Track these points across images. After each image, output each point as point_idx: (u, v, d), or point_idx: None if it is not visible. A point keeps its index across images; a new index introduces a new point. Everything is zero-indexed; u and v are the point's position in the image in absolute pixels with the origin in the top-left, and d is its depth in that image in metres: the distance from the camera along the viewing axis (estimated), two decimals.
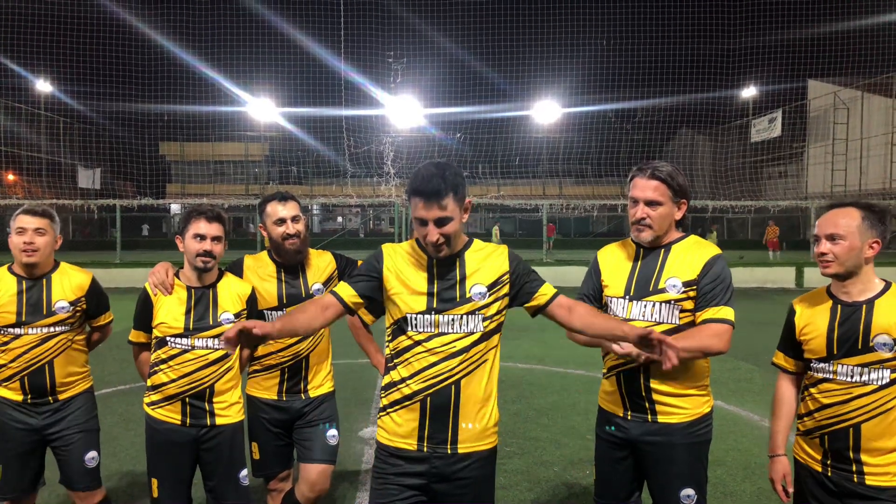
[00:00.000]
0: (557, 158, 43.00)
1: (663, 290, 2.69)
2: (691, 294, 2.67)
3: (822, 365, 2.58)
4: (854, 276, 2.54)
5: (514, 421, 6.29)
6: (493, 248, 2.59)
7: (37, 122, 37.62)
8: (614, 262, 2.88)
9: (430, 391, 2.41)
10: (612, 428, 2.83)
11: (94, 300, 3.46)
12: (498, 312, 2.52)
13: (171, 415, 3.08)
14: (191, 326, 3.06)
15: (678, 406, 2.69)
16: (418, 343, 2.43)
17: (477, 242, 2.58)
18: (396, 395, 2.47)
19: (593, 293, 2.92)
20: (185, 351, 3.06)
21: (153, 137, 39.63)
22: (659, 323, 2.69)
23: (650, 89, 35.80)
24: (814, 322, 2.62)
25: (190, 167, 48.89)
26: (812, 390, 2.62)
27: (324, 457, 3.42)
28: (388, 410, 2.49)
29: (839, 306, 2.57)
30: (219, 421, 3.13)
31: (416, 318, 2.44)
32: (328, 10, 31.82)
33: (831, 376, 2.55)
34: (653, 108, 37.98)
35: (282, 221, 3.32)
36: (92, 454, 3.40)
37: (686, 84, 32.91)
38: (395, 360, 2.49)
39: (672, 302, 2.68)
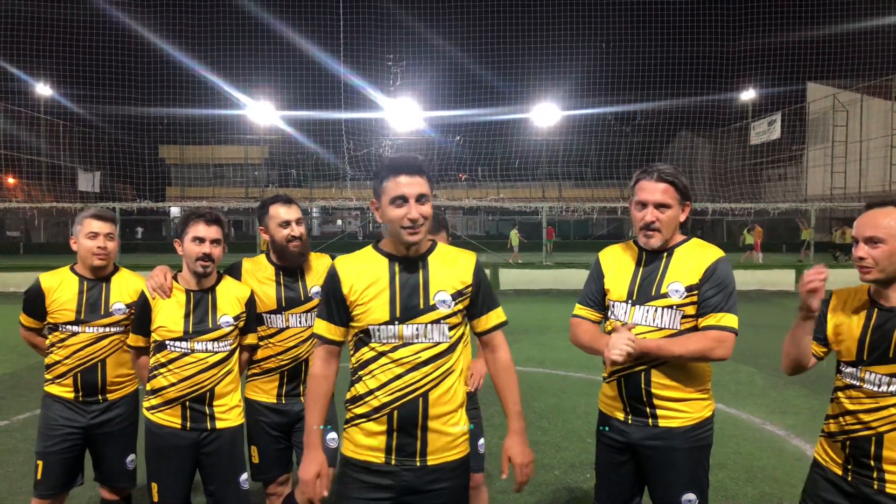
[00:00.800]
0: (557, 161, 43.05)
1: (666, 295, 2.66)
2: (694, 299, 2.64)
3: (850, 370, 2.45)
4: (895, 282, 2.36)
5: None
6: (459, 253, 2.51)
7: (37, 125, 37.64)
8: (617, 266, 2.84)
9: (398, 403, 2.33)
10: (607, 428, 2.81)
11: None
12: (461, 322, 2.46)
13: (171, 419, 3.07)
14: (190, 330, 3.05)
15: (679, 410, 2.67)
16: (382, 354, 2.36)
17: (441, 246, 2.50)
18: (363, 408, 2.38)
19: (596, 296, 2.88)
20: (185, 354, 3.04)
21: (153, 140, 39.71)
22: (661, 328, 2.66)
23: (650, 92, 35.88)
24: (848, 323, 2.48)
25: (189, 170, 48.94)
26: (840, 394, 2.50)
27: None
28: (355, 423, 2.41)
29: (876, 310, 2.41)
30: (219, 425, 3.11)
31: (378, 329, 2.35)
32: (327, 13, 31.87)
33: (858, 383, 2.42)
34: (652, 111, 38.07)
35: (286, 224, 3.32)
36: (132, 456, 3.53)
37: (685, 86, 32.96)
38: (360, 372, 2.40)
39: (674, 307, 2.65)
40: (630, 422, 2.73)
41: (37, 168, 37.67)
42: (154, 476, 3.10)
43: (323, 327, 2.44)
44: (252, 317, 3.23)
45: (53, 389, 3.40)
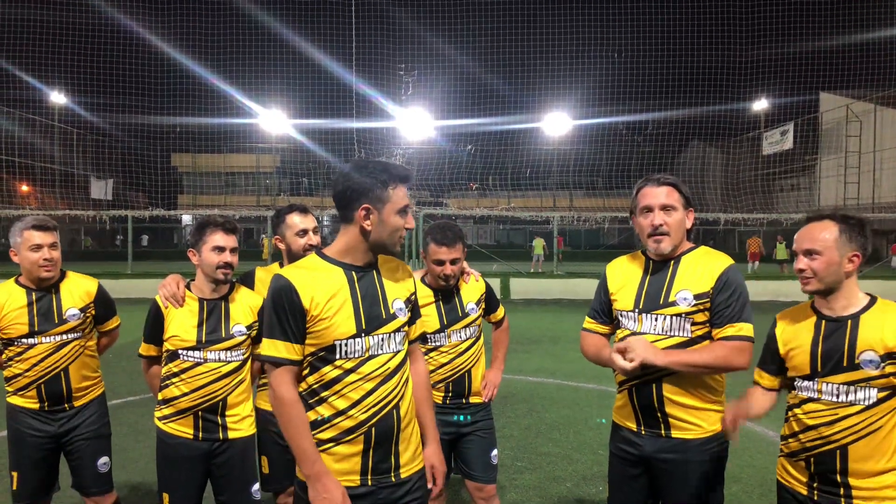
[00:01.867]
0: (568, 170, 42.96)
1: (674, 304, 2.64)
2: (704, 306, 2.61)
3: (806, 383, 2.47)
4: (836, 292, 2.46)
5: (525, 435, 6.23)
6: (398, 262, 2.50)
7: (51, 133, 37.98)
8: (623, 275, 2.83)
9: (375, 420, 2.24)
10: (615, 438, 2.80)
11: (102, 305, 3.55)
12: (409, 331, 2.45)
13: (183, 429, 3.06)
14: (203, 339, 3.04)
15: (693, 422, 2.64)
16: (350, 371, 2.23)
17: (381, 256, 2.43)
18: (331, 432, 2.23)
19: (602, 308, 2.89)
20: (198, 364, 3.04)
21: (165, 149, 39.91)
22: (670, 336, 2.64)
23: (661, 101, 35.74)
24: (798, 337, 2.52)
25: (201, 178, 49.26)
26: (797, 411, 2.50)
27: None
28: (323, 448, 2.23)
29: (823, 321, 2.47)
30: (231, 435, 3.10)
31: (345, 344, 2.22)
32: (340, 22, 32.04)
33: (816, 395, 2.44)
34: (664, 120, 37.89)
35: (304, 233, 3.34)
36: (104, 459, 3.49)
37: (697, 96, 32.85)
38: (323, 394, 2.23)
39: (683, 315, 2.62)
40: (643, 433, 2.71)
41: (50, 176, 37.94)
42: (166, 486, 3.09)
43: (283, 349, 2.21)
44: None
45: (17, 401, 3.36)
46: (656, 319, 2.66)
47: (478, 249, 29.93)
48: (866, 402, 2.35)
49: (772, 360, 2.62)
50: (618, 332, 2.84)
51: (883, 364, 2.33)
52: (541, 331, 13.04)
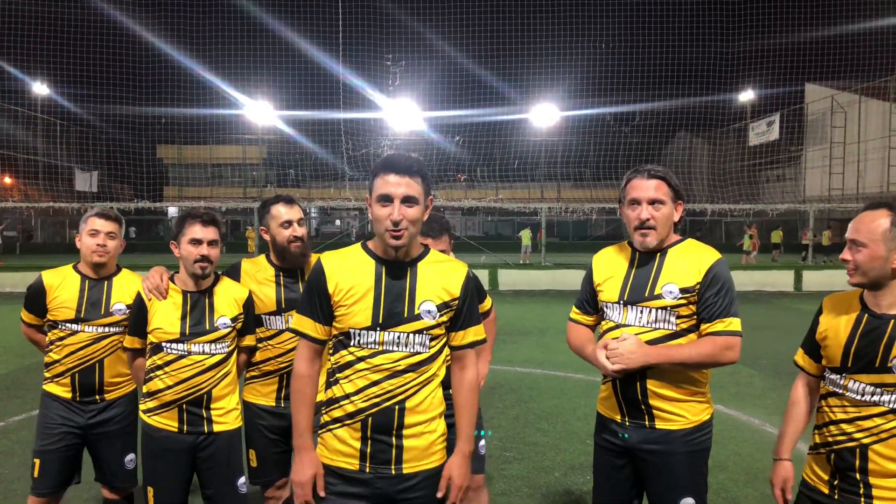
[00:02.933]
0: (556, 162, 43.09)
1: (659, 296, 2.62)
2: (690, 300, 2.61)
3: (833, 377, 2.39)
4: (884, 287, 2.30)
5: (514, 425, 6.25)
6: (452, 263, 2.43)
7: (34, 124, 37.56)
8: (609, 267, 2.81)
9: (373, 410, 2.27)
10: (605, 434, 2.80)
11: None
12: (444, 334, 2.39)
13: (167, 422, 3.04)
14: (187, 331, 3.01)
15: (677, 413, 2.64)
16: (361, 359, 2.28)
17: (434, 253, 2.42)
18: (338, 412, 2.31)
19: (588, 299, 2.88)
20: (182, 356, 3.01)
21: (150, 140, 39.65)
22: (655, 329, 2.63)
23: (648, 92, 35.89)
24: (836, 327, 2.40)
25: (187, 170, 48.90)
26: (823, 402, 2.44)
27: None
28: (330, 427, 2.33)
29: (865, 315, 2.33)
30: (216, 428, 3.08)
31: (359, 334, 2.28)
32: (326, 12, 31.83)
33: (841, 391, 2.35)
34: (651, 112, 38.05)
35: (288, 224, 3.30)
36: (131, 456, 3.52)
37: (684, 87, 32.99)
38: (338, 375, 2.33)
39: (668, 308, 2.61)
40: (627, 424, 2.70)
41: (34, 167, 37.55)
42: (150, 479, 3.07)
43: (308, 325, 2.35)
44: (250, 318, 3.20)
45: (52, 388, 3.40)
46: (641, 311, 2.65)
47: (466, 241, 29.94)
48: (891, 406, 2.24)
49: (811, 343, 2.53)
50: (602, 323, 2.83)
51: None
52: (529, 321, 13.07)
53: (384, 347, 2.28)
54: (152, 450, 3.06)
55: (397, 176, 2.26)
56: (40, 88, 37.77)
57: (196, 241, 3.02)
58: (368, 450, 2.28)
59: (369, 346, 2.28)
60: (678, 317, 2.62)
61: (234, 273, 3.38)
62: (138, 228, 48.56)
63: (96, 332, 3.37)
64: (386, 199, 2.25)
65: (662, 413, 2.64)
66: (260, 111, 39.25)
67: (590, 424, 2.97)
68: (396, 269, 2.32)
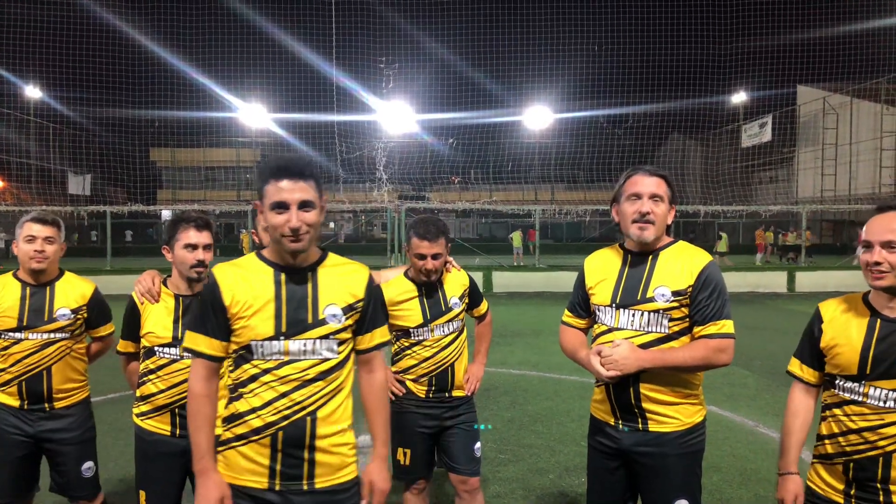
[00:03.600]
0: (549, 164, 43.14)
1: (651, 300, 2.62)
2: (682, 303, 2.61)
3: (850, 385, 2.31)
4: None
5: (508, 428, 6.25)
6: (353, 265, 2.36)
7: (26, 128, 37.41)
8: (601, 269, 2.81)
9: (284, 423, 2.17)
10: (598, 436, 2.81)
11: (96, 310, 3.47)
12: (351, 338, 2.32)
13: (160, 426, 3.02)
14: (179, 336, 2.99)
15: (670, 416, 2.64)
16: (266, 371, 2.18)
17: (333, 257, 2.34)
18: (242, 429, 2.19)
19: (580, 302, 2.88)
20: (174, 361, 3.00)
21: (144, 143, 39.55)
22: (647, 332, 2.63)
23: (641, 94, 36.00)
24: (847, 334, 2.33)
25: (181, 173, 48.78)
26: (837, 411, 2.35)
27: None
28: (233, 445, 2.21)
29: (879, 320, 2.28)
30: None
31: (262, 345, 2.18)
32: (320, 15, 31.83)
33: (861, 399, 2.28)
34: (644, 114, 38.13)
35: None
36: (88, 464, 3.42)
37: (677, 89, 33.13)
38: (241, 390, 2.21)
39: (661, 311, 2.61)
40: (621, 427, 2.70)
41: (26, 171, 37.40)
42: (143, 483, 3.05)
43: (203, 342, 2.22)
44: None
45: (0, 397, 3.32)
46: (633, 315, 2.65)
47: (460, 243, 29.95)
48: None
49: (811, 352, 2.46)
50: (595, 326, 2.83)
51: None
52: (523, 323, 13.07)
53: (290, 357, 2.19)
54: (145, 453, 3.04)
55: (291, 181, 2.16)
56: (33, 91, 37.63)
57: (191, 246, 2.99)
58: (278, 466, 2.19)
59: (274, 357, 2.19)
60: (671, 319, 2.62)
61: None
62: (135, 232, 48.39)
63: (41, 339, 3.27)
64: (281, 206, 2.16)
65: (656, 416, 2.64)
66: (253, 114, 39.20)
67: (584, 426, 2.97)
68: (297, 275, 2.24)
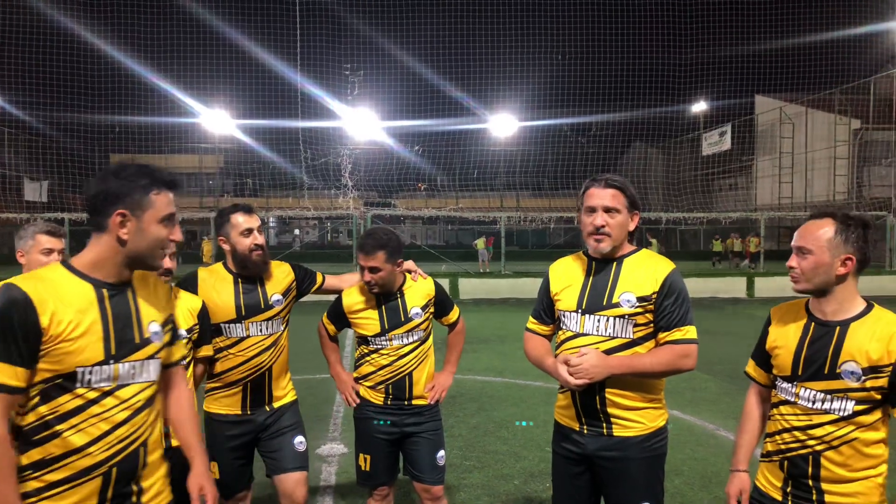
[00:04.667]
0: (515, 171, 43.37)
1: (617, 305, 2.67)
2: (646, 308, 2.66)
3: (785, 385, 2.41)
4: (828, 295, 2.34)
5: (474, 434, 6.26)
6: (155, 279, 2.26)
7: None
8: (566, 276, 2.84)
9: (119, 458, 1.98)
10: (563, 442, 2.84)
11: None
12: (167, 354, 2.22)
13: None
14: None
15: (634, 420, 2.69)
16: (93, 402, 1.94)
17: (137, 273, 2.15)
18: (64, 473, 1.91)
19: (545, 308, 2.91)
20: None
21: (104, 149, 38.76)
22: (613, 337, 2.67)
23: (604, 103, 36.43)
24: (785, 336, 2.44)
25: None
26: (774, 411, 2.47)
27: (296, 464, 3.37)
28: (47, 495, 1.91)
29: (812, 324, 2.37)
30: (175, 443, 3.02)
31: (90, 372, 1.93)
32: (284, 21, 31.64)
33: (793, 399, 2.38)
34: (607, 122, 38.63)
35: (249, 232, 3.27)
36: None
37: (639, 98, 33.70)
38: (57, 427, 1.91)
39: (626, 316, 2.66)
40: (585, 432, 2.74)
41: None
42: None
43: (7, 372, 1.83)
44: (206, 328, 3.15)
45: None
46: (598, 320, 2.69)
47: (426, 250, 29.95)
48: (841, 413, 2.27)
49: (761, 354, 2.56)
50: (559, 332, 2.86)
51: (864, 377, 2.23)
52: (489, 330, 13.12)
53: (119, 382, 1.99)
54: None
55: (176, 194, 2.11)
56: None
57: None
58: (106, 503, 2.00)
59: (102, 385, 1.96)
60: (635, 325, 2.66)
61: (192, 283, 3.32)
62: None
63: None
64: (170, 220, 2.08)
65: (620, 420, 2.68)
66: (216, 120, 38.72)
67: (549, 432, 2.99)
68: (118, 291, 2.04)
